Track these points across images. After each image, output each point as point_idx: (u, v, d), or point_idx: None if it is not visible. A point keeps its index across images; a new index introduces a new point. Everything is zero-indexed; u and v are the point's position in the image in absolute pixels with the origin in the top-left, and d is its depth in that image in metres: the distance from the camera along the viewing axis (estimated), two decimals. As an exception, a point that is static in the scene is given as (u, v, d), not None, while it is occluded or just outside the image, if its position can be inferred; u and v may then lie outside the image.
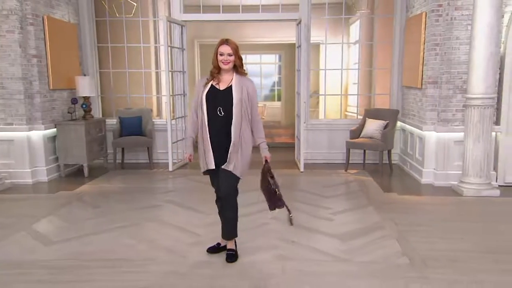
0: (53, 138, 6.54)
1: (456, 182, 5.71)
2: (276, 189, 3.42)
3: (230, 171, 3.39)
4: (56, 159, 6.58)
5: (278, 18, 7.49)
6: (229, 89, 3.38)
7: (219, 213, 3.67)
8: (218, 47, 3.39)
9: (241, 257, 3.61)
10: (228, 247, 3.65)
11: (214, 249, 3.73)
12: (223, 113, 3.36)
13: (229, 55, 3.35)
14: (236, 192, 3.54)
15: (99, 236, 4.11)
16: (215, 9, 7.57)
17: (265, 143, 3.53)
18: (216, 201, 3.66)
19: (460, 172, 5.69)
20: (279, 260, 3.59)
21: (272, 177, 3.46)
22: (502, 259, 3.57)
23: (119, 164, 7.21)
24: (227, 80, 3.42)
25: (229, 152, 3.36)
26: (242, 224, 3.72)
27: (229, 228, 3.61)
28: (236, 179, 3.45)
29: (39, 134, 6.24)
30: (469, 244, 3.91)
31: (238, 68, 3.42)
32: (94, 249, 3.80)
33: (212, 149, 3.41)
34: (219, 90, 3.39)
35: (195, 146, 3.56)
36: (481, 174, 5.46)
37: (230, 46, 3.35)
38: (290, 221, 3.51)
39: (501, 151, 5.89)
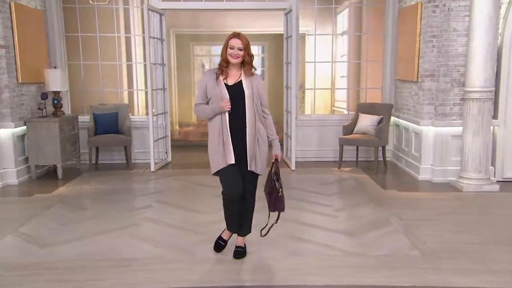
0: (22, 137, 6.62)
1: (454, 178, 6.20)
2: (280, 189, 3.73)
3: (252, 171, 3.70)
4: (26, 159, 6.65)
5: (265, 7, 7.74)
6: (238, 84, 3.66)
7: (228, 209, 3.87)
8: (229, 40, 3.65)
9: (253, 254, 3.92)
10: (238, 244, 3.94)
11: (222, 247, 4.00)
12: (230, 109, 3.63)
13: (240, 49, 3.60)
14: None
15: (99, 237, 4.33)
16: (195, -5, 7.78)
17: (278, 140, 3.84)
18: (225, 197, 3.81)
19: (459, 167, 6.17)
20: (291, 256, 3.93)
21: (279, 177, 3.77)
22: (511, 250, 4.04)
23: (93, 165, 7.34)
24: (236, 75, 3.69)
25: (248, 150, 3.64)
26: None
27: (248, 224, 3.93)
28: (258, 176, 3.79)
29: (8, 133, 6.30)
30: (476, 236, 4.36)
31: (246, 65, 3.66)
32: (97, 250, 4.03)
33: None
34: (228, 85, 3.67)
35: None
36: (480, 169, 5.97)
37: (241, 40, 3.61)
38: (266, 230, 3.81)
39: (499, 145, 6.43)
